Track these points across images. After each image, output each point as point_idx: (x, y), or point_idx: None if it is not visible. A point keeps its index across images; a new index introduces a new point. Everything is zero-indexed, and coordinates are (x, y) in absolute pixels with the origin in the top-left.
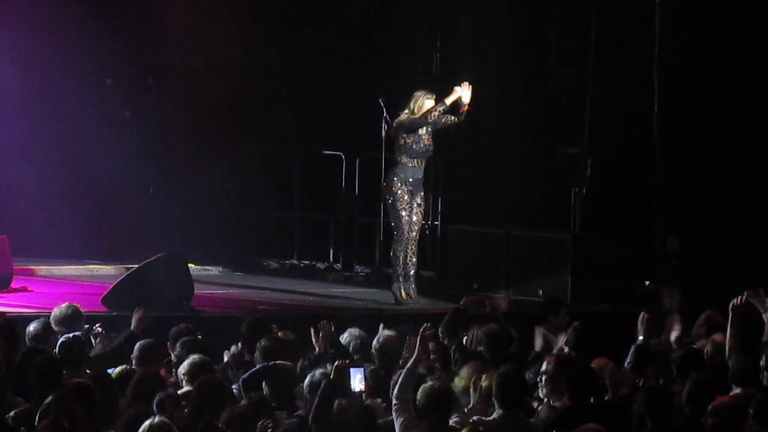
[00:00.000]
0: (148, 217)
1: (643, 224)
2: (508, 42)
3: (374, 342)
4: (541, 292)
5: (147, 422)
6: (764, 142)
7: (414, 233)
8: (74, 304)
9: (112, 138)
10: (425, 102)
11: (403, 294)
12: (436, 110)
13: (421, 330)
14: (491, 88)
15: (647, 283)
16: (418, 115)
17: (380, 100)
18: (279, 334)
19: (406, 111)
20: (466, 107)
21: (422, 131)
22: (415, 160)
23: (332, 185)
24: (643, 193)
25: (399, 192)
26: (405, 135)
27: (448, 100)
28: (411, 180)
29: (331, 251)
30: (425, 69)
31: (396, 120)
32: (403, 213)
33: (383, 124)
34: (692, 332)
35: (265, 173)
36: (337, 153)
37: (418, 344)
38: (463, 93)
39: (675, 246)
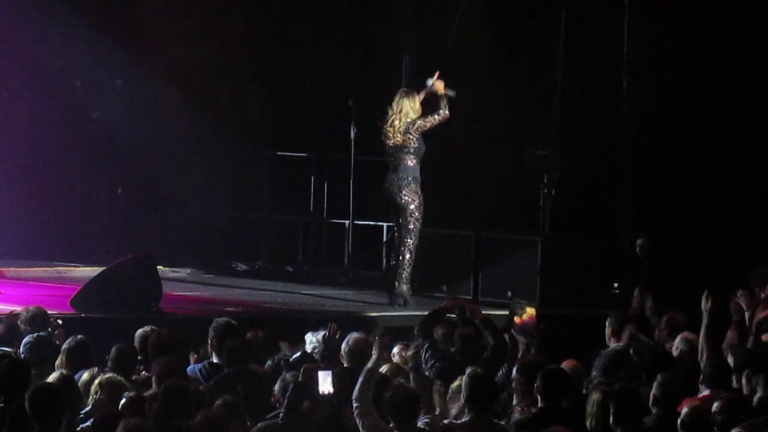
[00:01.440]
0: (117, 218)
1: (611, 226)
2: (478, 45)
3: (344, 344)
4: (509, 294)
5: (121, 424)
6: (733, 142)
7: None
8: (41, 306)
9: (81, 139)
10: (416, 100)
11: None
12: (442, 110)
13: (376, 331)
14: (461, 90)
15: (615, 284)
16: (435, 117)
17: (350, 102)
18: (248, 335)
19: (391, 113)
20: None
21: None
22: (418, 160)
23: (301, 187)
24: (611, 194)
25: (420, 194)
26: (416, 137)
27: (443, 100)
28: (419, 181)
29: (300, 253)
30: (395, 71)
31: (414, 124)
32: (420, 215)
33: (352, 125)
34: (657, 335)
35: (233, 175)
36: (306, 154)
37: (376, 346)
38: (438, 84)
39: (644, 247)
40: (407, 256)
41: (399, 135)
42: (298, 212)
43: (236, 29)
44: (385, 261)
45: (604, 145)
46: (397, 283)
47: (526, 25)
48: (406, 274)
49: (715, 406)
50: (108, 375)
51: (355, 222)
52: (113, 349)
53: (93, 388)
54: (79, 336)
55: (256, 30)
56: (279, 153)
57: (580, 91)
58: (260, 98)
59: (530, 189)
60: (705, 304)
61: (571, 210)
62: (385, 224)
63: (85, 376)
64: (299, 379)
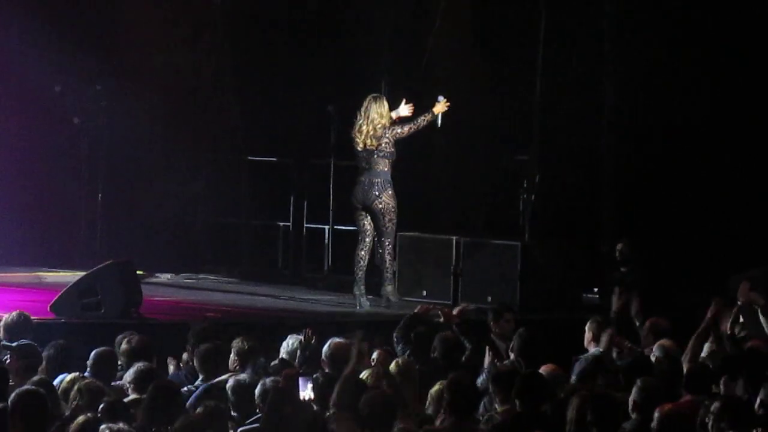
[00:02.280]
0: (97, 224)
1: (592, 231)
2: (458, 49)
3: (324, 349)
4: (489, 299)
5: (104, 428)
6: (713, 148)
7: None
8: (24, 312)
9: (60, 144)
10: (384, 105)
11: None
12: (422, 120)
13: (354, 336)
14: (441, 95)
15: (595, 289)
16: (412, 127)
17: (330, 108)
18: (236, 341)
19: (360, 118)
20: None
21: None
22: (391, 165)
23: (281, 192)
24: (591, 199)
25: (395, 197)
26: (391, 142)
27: (434, 110)
28: (392, 184)
29: (280, 257)
30: (374, 77)
31: (392, 130)
32: (395, 218)
33: (331, 131)
34: (641, 340)
35: (214, 180)
36: (286, 160)
37: (354, 351)
38: (442, 107)
39: (624, 253)
40: (388, 258)
41: (371, 140)
42: (278, 217)
43: (216, 35)
44: (355, 266)
45: (585, 150)
46: (382, 285)
47: (506, 30)
48: (389, 275)
49: (713, 407)
50: (87, 380)
51: (335, 227)
52: (92, 354)
53: (72, 393)
54: (59, 341)
55: (236, 36)
56: (259, 158)
57: (560, 95)
58: (240, 104)
59: (510, 194)
60: (710, 311)
61: (551, 215)
62: None
63: (66, 381)
64: (279, 385)
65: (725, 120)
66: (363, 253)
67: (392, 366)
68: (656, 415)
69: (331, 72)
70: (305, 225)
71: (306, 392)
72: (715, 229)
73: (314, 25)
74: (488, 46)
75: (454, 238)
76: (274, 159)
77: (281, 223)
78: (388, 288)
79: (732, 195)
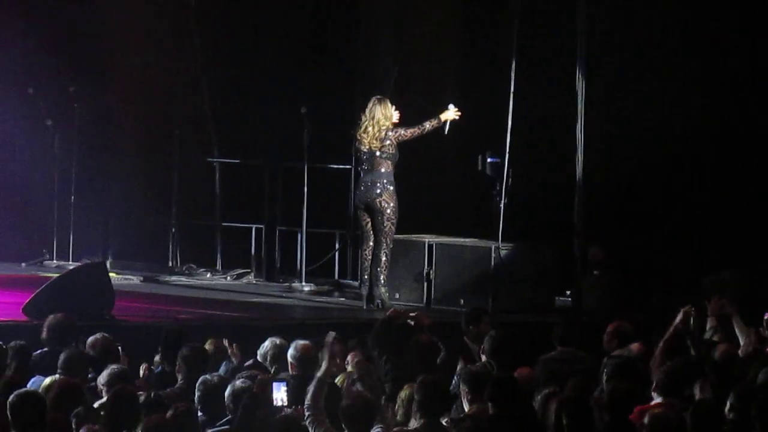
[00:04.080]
0: (70, 226)
1: (564, 234)
2: (432, 52)
3: (290, 350)
4: (462, 301)
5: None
6: (686, 151)
7: None
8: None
9: (34, 146)
10: (389, 107)
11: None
12: (428, 125)
13: (326, 338)
14: (414, 96)
15: (568, 292)
16: (417, 130)
17: (303, 109)
18: (208, 343)
19: (365, 119)
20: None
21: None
22: (393, 166)
23: (254, 194)
24: (564, 202)
25: (396, 199)
26: (395, 144)
27: (442, 117)
28: (395, 185)
29: (253, 260)
30: (348, 79)
31: (396, 132)
32: (396, 219)
33: (305, 133)
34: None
35: (187, 182)
36: (259, 162)
37: (326, 353)
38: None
39: (597, 256)
40: (383, 258)
41: (375, 141)
42: (252, 219)
43: (190, 38)
44: (360, 266)
45: (558, 153)
46: (374, 285)
47: (479, 32)
48: (383, 276)
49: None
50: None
51: (309, 230)
52: (62, 356)
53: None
54: (19, 342)
55: (209, 39)
56: (232, 161)
57: (533, 97)
58: (213, 106)
59: (483, 196)
60: (679, 316)
61: (524, 218)
62: (337, 232)
63: (46, 382)
64: (254, 390)
65: (696, 123)
66: (366, 253)
67: (364, 368)
68: (646, 419)
69: (305, 73)
70: (278, 227)
71: (279, 395)
72: (688, 230)
73: (287, 27)
74: (463, 48)
75: (426, 240)
76: (248, 161)
77: (254, 226)
78: (382, 289)
79: (705, 197)
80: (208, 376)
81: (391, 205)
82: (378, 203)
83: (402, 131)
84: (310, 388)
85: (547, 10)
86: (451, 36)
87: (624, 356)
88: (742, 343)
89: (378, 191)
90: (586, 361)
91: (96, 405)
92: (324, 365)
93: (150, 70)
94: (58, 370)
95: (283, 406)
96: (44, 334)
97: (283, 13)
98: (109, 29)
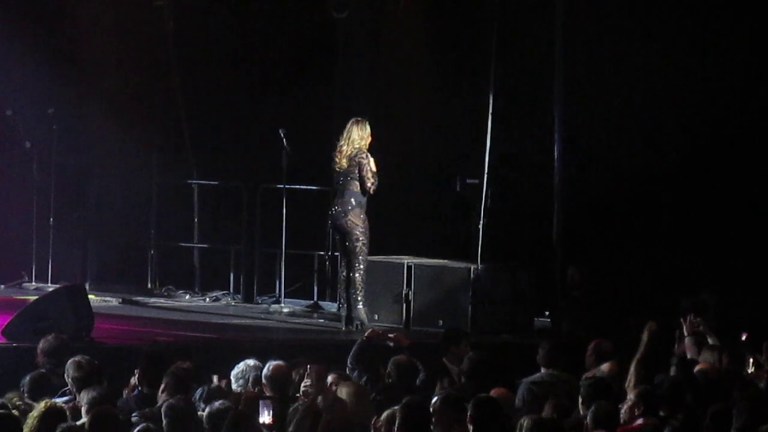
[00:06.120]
0: (48, 248)
1: (543, 255)
2: (408, 73)
3: (264, 371)
4: (441, 322)
5: None
6: (665, 171)
7: None
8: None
9: (12, 168)
10: (366, 129)
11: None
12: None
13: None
14: (392, 119)
15: (547, 313)
16: (371, 184)
17: (281, 131)
18: (176, 364)
19: (342, 140)
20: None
21: None
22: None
23: (233, 215)
24: (543, 224)
25: (365, 220)
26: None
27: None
28: (364, 206)
29: (232, 282)
30: (326, 101)
31: (363, 167)
32: (366, 240)
33: (284, 154)
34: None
35: (165, 203)
36: (238, 183)
37: (315, 378)
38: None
39: (575, 277)
40: (358, 278)
41: (345, 160)
42: (230, 241)
43: (169, 59)
44: (338, 287)
45: (537, 175)
46: (352, 306)
47: (457, 51)
48: (360, 296)
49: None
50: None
51: (288, 251)
52: (26, 378)
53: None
54: None
55: (187, 58)
56: (211, 182)
57: (511, 118)
58: (192, 127)
59: (461, 217)
60: (645, 335)
61: (502, 238)
62: (316, 254)
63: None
64: (240, 407)
65: (677, 143)
66: (344, 274)
67: (346, 391)
68: None
69: (284, 94)
70: (257, 249)
71: (265, 416)
72: (667, 251)
73: (265, 50)
74: (441, 68)
75: (405, 261)
76: (226, 183)
77: (233, 247)
78: (361, 309)
79: (683, 218)
80: (173, 401)
81: (359, 225)
82: (346, 223)
83: (368, 167)
84: (298, 413)
85: (527, 33)
86: (428, 58)
87: (596, 377)
88: (711, 360)
89: (344, 212)
90: (570, 382)
91: (78, 423)
92: (315, 390)
93: (128, 92)
94: (24, 394)
95: (268, 426)
96: (39, 358)
97: (262, 36)
98: (88, 51)
